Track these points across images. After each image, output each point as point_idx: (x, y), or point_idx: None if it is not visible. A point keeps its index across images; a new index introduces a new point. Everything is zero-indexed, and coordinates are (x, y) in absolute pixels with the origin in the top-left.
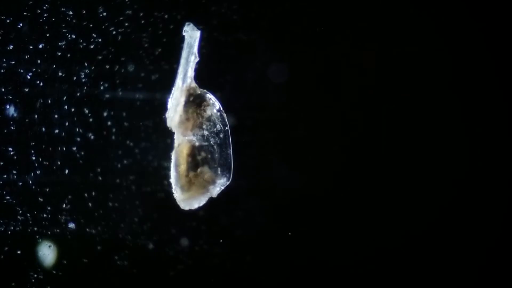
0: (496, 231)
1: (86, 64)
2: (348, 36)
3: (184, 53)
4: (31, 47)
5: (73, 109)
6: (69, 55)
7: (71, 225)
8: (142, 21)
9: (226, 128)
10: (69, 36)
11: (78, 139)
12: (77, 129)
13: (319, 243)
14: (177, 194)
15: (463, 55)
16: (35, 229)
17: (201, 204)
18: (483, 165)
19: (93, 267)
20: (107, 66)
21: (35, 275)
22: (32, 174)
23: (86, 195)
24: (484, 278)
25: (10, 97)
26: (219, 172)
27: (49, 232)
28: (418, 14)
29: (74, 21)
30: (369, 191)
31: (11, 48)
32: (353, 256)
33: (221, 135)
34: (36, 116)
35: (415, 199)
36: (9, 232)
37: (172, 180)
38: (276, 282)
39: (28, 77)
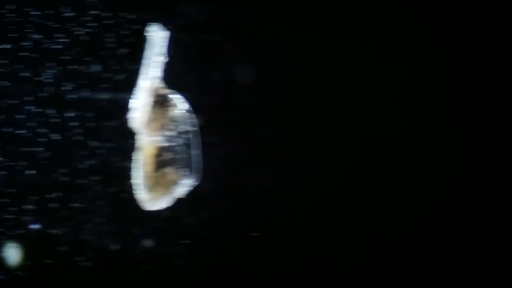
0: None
1: (50, 65)
2: (314, 35)
3: (149, 54)
4: None
5: (37, 110)
6: (33, 56)
7: (35, 226)
8: (107, 21)
9: (192, 128)
10: (33, 36)
11: (42, 139)
12: (41, 130)
13: (284, 244)
14: (142, 194)
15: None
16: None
17: (166, 205)
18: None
19: (57, 268)
20: (72, 67)
21: None
22: None
23: (50, 196)
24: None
25: None
26: (184, 173)
27: (12, 233)
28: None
29: (38, 21)
30: (337, 191)
31: None
32: (315, 255)
33: (187, 136)
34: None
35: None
36: None
37: (137, 180)
38: (240, 283)
39: None
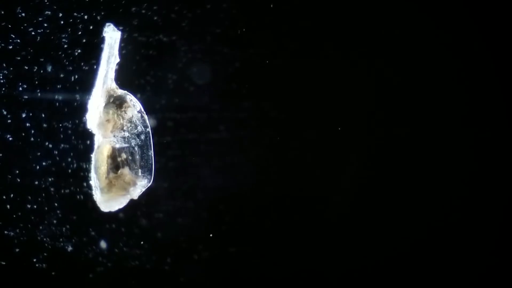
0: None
1: (4, 65)
2: (269, 37)
3: (104, 54)
4: None
5: None
6: None
7: None
8: (62, 22)
9: (147, 129)
10: None
11: None
12: None
13: (242, 244)
14: (97, 196)
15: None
16: None
17: (121, 206)
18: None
19: (11, 269)
20: (26, 67)
21: None
22: None
23: (4, 197)
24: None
25: None
26: (139, 174)
27: None
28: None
29: None
30: (291, 191)
31: None
32: (273, 255)
33: (142, 137)
34: None
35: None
36: None
37: (92, 181)
38: (196, 284)
39: None
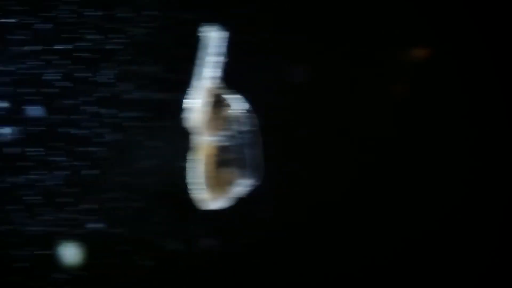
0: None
1: (107, 65)
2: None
3: (208, 53)
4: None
5: (95, 110)
6: (90, 56)
7: (95, 226)
8: (164, 22)
9: (252, 128)
10: (90, 37)
11: (101, 139)
12: (99, 130)
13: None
14: (201, 194)
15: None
16: (60, 229)
17: (226, 204)
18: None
19: (118, 267)
20: (128, 67)
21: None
22: (59, 174)
23: (110, 195)
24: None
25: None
26: (244, 172)
27: (73, 233)
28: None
29: (95, 22)
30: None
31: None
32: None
33: (246, 136)
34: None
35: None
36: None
37: (197, 180)
38: (308, 279)
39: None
